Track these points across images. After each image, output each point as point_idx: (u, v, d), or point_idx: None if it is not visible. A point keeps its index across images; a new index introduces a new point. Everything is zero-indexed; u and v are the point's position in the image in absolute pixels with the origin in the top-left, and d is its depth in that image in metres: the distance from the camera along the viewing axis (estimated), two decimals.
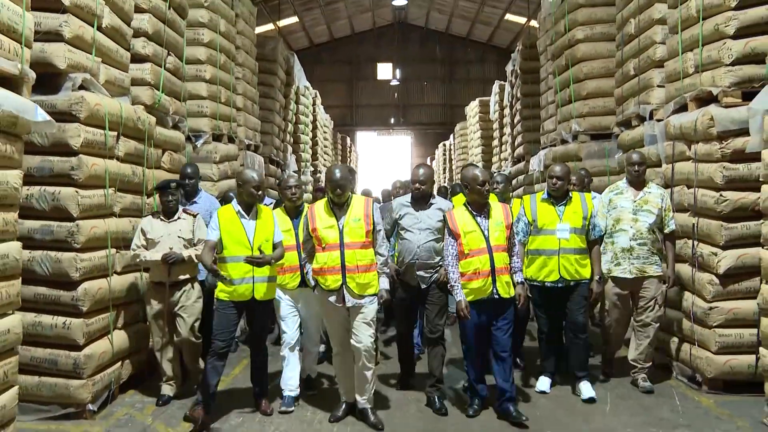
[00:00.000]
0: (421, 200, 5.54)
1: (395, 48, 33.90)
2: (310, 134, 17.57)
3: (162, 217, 5.45)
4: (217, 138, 8.62)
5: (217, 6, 8.66)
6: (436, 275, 5.45)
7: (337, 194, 4.93)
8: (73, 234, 4.89)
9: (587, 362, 5.73)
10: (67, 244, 4.91)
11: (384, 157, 36.24)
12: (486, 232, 5.07)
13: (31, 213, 4.84)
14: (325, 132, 21.46)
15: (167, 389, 5.50)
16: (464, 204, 5.23)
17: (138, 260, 5.38)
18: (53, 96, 4.84)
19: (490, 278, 5.00)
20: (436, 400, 5.37)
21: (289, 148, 14.15)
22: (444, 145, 29.29)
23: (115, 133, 5.37)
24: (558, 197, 5.63)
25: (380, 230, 5.08)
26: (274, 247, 5.16)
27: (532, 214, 5.65)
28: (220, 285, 5.03)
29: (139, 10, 6.28)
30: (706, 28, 5.73)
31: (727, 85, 5.48)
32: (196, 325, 5.49)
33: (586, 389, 5.52)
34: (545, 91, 10.84)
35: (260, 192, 5.16)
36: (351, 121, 35.05)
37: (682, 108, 6.19)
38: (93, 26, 5.23)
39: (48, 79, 4.80)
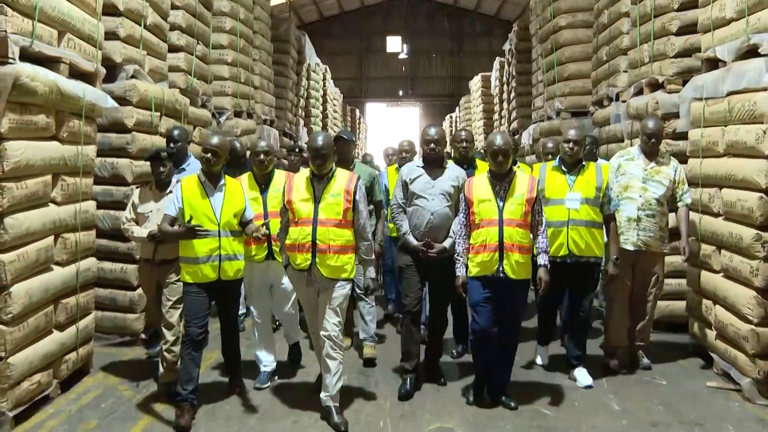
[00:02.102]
0: (435, 163, 5.01)
1: (404, 21, 34.48)
2: (321, 108, 18.65)
3: (154, 189, 5.00)
4: (237, 114, 9.71)
5: None
6: (447, 244, 4.91)
7: (317, 165, 4.48)
8: (128, 196, 6.01)
9: (585, 347, 5.41)
10: (123, 205, 6.00)
11: (393, 128, 37.07)
12: (501, 203, 4.58)
13: (94, 180, 5.92)
14: (334, 105, 22.49)
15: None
16: (487, 171, 4.73)
17: (128, 235, 5.00)
18: (111, 84, 5.91)
19: (496, 253, 4.53)
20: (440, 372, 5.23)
21: (301, 122, 15.24)
22: (450, 117, 30.17)
23: (159, 114, 6.47)
24: (571, 164, 5.21)
25: (362, 211, 4.59)
26: (244, 223, 4.71)
27: (540, 182, 5.06)
28: (184, 267, 4.59)
29: (174, 6, 7.35)
30: (656, 25, 6.75)
31: (670, 74, 6.50)
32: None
33: (582, 376, 5.21)
34: (536, 71, 11.79)
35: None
36: (360, 93, 35.81)
37: (640, 92, 7.20)
38: (140, 25, 6.33)
39: (107, 71, 5.86)
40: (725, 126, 5.13)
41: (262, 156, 5.10)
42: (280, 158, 8.38)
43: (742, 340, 4.80)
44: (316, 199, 4.49)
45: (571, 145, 5.16)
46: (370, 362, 5.74)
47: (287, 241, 4.58)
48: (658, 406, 4.74)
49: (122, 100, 5.94)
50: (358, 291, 5.63)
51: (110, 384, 5.14)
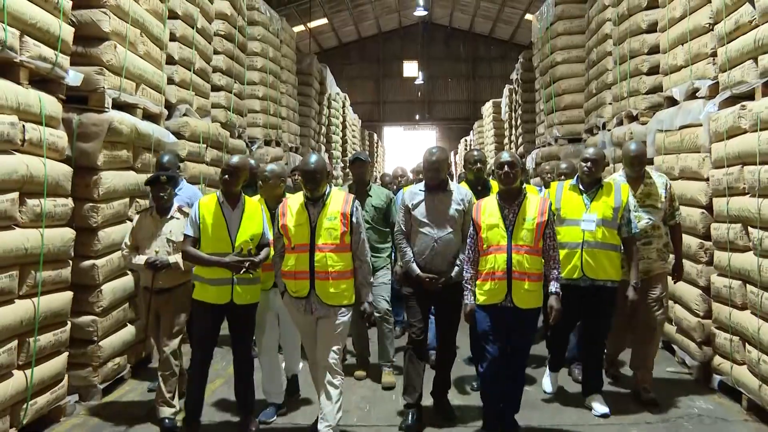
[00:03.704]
0: (437, 186, 4.76)
1: (420, 46, 35.52)
2: (341, 134, 19.91)
3: (155, 214, 4.91)
4: (267, 143, 10.90)
5: (267, 37, 10.93)
6: (453, 273, 4.68)
7: (309, 188, 4.30)
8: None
9: (602, 377, 5.26)
10: None
11: (410, 151, 38.07)
12: (510, 228, 4.34)
13: None
14: (353, 130, 23.74)
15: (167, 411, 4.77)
16: (496, 193, 4.55)
17: (125, 262, 5.05)
18: (168, 122, 7.04)
19: (504, 282, 4.31)
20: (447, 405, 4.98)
21: (323, 148, 16.48)
22: (465, 140, 31.24)
23: (206, 145, 7.63)
24: (588, 184, 4.98)
25: (361, 233, 4.40)
26: (261, 247, 4.59)
27: (556, 202, 4.99)
28: (196, 284, 4.56)
29: (215, 52, 8.56)
30: (632, 65, 7.80)
31: (642, 108, 7.54)
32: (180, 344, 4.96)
33: (598, 405, 5.00)
34: (538, 100, 12.88)
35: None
36: (378, 117, 36.99)
37: (621, 122, 8.24)
38: (190, 71, 7.51)
39: None
40: (678, 154, 6.16)
41: (259, 182, 5.00)
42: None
43: (692, 331, 5.79)
44: (312, 224, 4.29)
45: (589, 164, 4.94)
46: (388, 390, 5.61)
47: (284, 268, 4.38)
48: (623, 389, 5.65)
49: (177, 134, 7.07)
50: (377, 314, 5.47)
51: None
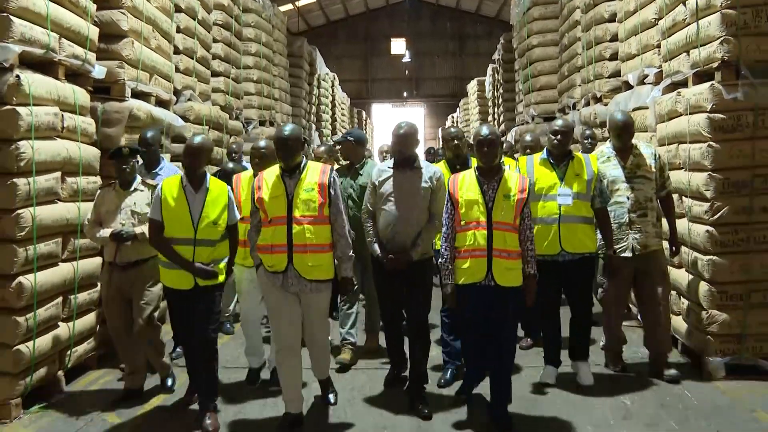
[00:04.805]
0: (406, 163, 4.70)
1: (408, 24, 36.02)
2: (330, 112, 20.56)
3: (118, 188, 4.84)
4: (262, 123, 11.59)
5: (260, 23, 11.60)
6: (416, 248, 4.61)
7: (281, 156, 4.21)
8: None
9: (588, 348, 5.17)
10: None
11: None
12: (490, 204, 4.22)
13: None
14: (342, 109, 24.40)
15: (129, 382, 4.92)
16: (474, 168, 4.41)
17: (89, 236, 4.91)
18: (174, 106, 7.75)
19: (485, 259, 4.18)
20: (421, 399, 4.64)
21: (313, 127, 17.15)
22: (452, 117, 31.89)
23: (208, 127, 8.34)
24: (558, 156, 4.96)
25: (339, 204, 4.28)
26: (230, 230, 4.50)
27: (529, 176, 4.89)
28: (162, 270, 4.46)
29: (215, 40, 9.25)
30: (596, 51, 8.56)
31: (605, 91, 8.31)
32: (155, 314, 4.91)
33: (585, 375, 5.04)
34: (517, 80, 13.61)
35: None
36: (366, 95, 37.38)
37: (588, 103, 9.01)
38: (193, 59, 8.20)
39: None
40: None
41: (256, 159, 4.96)
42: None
43: None
44: (289, 196, 4.18)
45: (559, 136, 4.94)
46: (343, 369, 5.48)
47: (260, 242, 4.26)
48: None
49: (183, 118, 7.76)
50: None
51: None
